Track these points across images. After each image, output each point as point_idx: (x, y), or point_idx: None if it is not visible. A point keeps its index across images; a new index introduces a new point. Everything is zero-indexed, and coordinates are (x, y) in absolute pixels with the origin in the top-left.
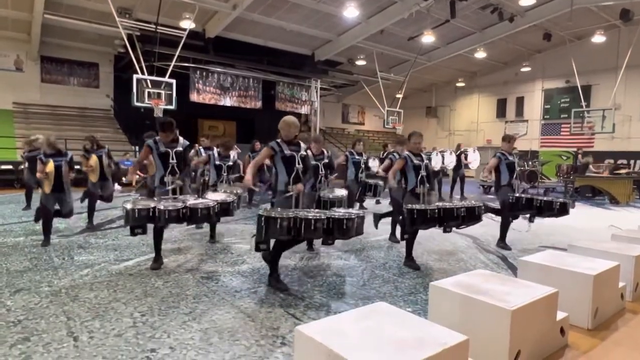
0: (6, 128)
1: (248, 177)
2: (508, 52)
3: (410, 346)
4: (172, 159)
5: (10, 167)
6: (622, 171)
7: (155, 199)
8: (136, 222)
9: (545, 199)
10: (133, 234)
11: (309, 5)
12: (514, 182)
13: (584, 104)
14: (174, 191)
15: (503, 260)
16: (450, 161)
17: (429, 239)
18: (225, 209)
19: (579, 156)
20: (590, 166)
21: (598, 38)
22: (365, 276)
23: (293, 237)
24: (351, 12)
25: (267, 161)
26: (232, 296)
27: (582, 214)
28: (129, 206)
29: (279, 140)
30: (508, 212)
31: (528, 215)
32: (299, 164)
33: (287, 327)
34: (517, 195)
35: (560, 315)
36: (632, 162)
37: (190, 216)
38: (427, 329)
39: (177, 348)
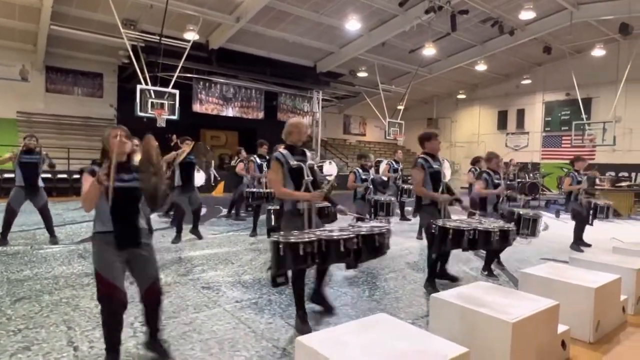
0: (10, 137)
1: (301, 194)
2: (509, 64)
3: (411, 358)
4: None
5: (12, 175)
6: (624, 184)
7: None
8: None
9: (480, 228)
10: None
11: (312, 18)
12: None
13: (584, 116)
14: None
15: (504, 272)
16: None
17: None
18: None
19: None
20: (597, 180)
21: (598, 51)
22: (366, 287)
23: (317, 265)
24: (353, 25)
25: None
26: (233, 306)
27: None
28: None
29: (282, 151)
30: (432, 247)
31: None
32: (307, 175)
33: (287, 338)
34: (441, 223)
35: (561, 328)
36: (633, 174)
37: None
38: (427, 341)
39: (178, 358)
